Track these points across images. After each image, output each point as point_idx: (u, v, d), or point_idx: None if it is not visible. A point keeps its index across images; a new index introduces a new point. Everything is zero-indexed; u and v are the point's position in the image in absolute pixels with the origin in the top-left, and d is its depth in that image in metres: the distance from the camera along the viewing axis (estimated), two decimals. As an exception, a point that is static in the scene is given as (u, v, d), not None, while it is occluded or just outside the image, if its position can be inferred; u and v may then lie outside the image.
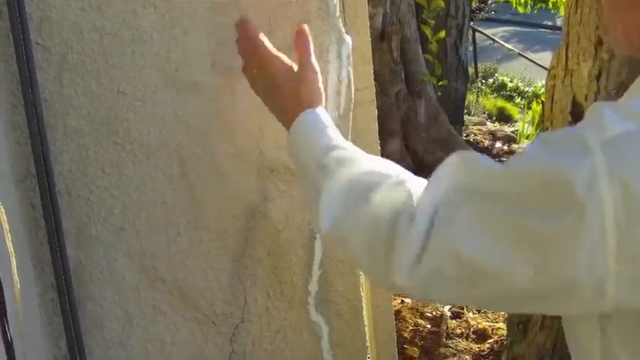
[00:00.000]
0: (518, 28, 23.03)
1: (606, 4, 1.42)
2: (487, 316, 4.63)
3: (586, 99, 2.81)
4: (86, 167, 1.93)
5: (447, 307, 4.69)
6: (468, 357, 4.18)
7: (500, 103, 13.24)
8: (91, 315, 2.01)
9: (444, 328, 4.47)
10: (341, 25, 2.11)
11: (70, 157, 1.91)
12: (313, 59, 1.87)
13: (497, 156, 7.94)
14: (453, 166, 1.28)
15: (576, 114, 2.90)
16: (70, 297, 1.92)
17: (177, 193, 2.02)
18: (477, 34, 17.09)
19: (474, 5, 16.60)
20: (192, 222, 2.04)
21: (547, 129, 3.16)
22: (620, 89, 2.71)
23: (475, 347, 4.32)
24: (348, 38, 2.14)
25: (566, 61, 2.97)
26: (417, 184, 1.38)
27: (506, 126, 10.62)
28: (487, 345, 4.33)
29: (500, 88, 15.12)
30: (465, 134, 8.51)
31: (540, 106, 9.07)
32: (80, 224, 1.96)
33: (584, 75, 2.82)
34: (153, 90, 1.95)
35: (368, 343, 2.44)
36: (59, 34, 1.85)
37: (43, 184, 1.84)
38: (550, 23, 21.82)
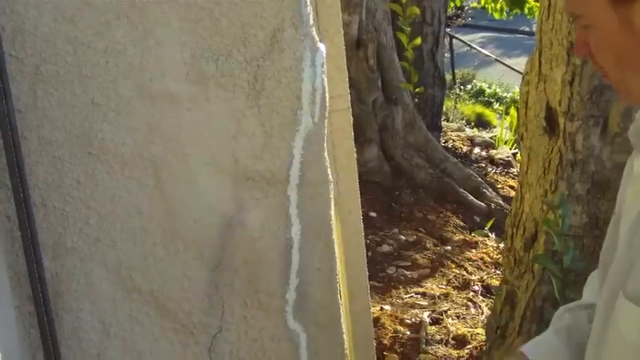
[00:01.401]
0: (495, 34, 23.14)
1: (614, 64, 1.45)
2: (466, 322, 4.64)
3: (560, 104, 2.83)
4: (61, 178, 1.93)
5: (426, 314, 4.70)
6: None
7: (479, 109, 13.28)
8: (68, 327, 2.01)
9: (424, 334, 4.47)
10: (314, 33, 2.11)
11: (45, 169, 1.91)
12: None
13: (475, 161, 7.98)
14: None
15: (550, 119, 2.92)
16: (47, 309, 1.91)
17: (152, 204, 2.02)
18: (454, 40, 17.15)
19: (451, 12, 16.65)
20: (168, 232, 2.04)
21: (522, 134, 3.17)
22: (594, 94, 2.73)
23: (454, 353, 4.32)
24: (321, 47, 2.15)
25: (540, 67, 2.98)
26: None
27: (484, 132, 10.64)
28: (466, 351, 4.34)
29: (478, 94, 15.16)
30: (443, 140, 8.52)
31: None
32: (56, 236, 1.95)
33: (558, 80, 2.84)
34: (127, 100, 1.95)
35: (347, 351, 2.44)
36: (33, 45, 1.84)
37: (18, 196, 1.84)
38: (527, 29, 21.91)
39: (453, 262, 5.50)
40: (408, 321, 4.62)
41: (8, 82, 1.81)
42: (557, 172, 2.85)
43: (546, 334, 1.95)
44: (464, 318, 4.71)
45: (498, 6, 11.11)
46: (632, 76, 1.45)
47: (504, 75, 15.77)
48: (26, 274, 1.89)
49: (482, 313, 4.72)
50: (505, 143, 8.94)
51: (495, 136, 9.48)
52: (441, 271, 5.38)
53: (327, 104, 2.20)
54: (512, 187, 7.18)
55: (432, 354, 4.28)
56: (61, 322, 1.99)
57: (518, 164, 5.31)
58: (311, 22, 2.10)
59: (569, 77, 2.77)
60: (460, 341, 4.46)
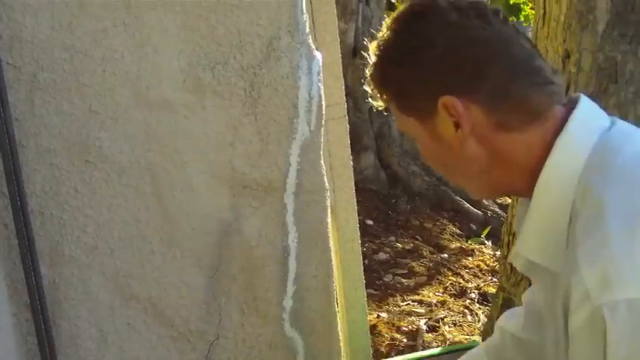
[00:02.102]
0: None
1: (444, 171, 1.64)
2: (463, 329, 4.64)
3: (556, 111, 2.83)
4: (59, 186, 1.93)
5: (422, 321, 4.70)
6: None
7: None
8: (65, 334, 2.01)
9: (420, 342, 4.47)
10: (311, 41, 2.12)
11: (42, 177, 1.91)
12: None
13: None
14: None
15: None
16: (45, 316, 1.91)
17: (150, 211, 2.02)
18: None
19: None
20: (165, 240, 2.05)
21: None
22: (589, 101, 2.73)
23: (451, 360, 4.33)
24: (318, 55, 2.15)
25: (536, 75, 2.99)
26: None
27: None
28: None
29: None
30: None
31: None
32: (53, 243, 1.95)
33: (553, 88, 2.84)
34: (124, 108, 1.95)
35: (344, 358, 2.44)
36: (30, 53, 1.85)
37: (15, 204, 1.84)
38: (522, 37, 21.91)
39: (449, 269, 5.50)
40: (404, 328, 4.62)
41: (6, 91, 1.81)
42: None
43: (478, 351, 2.05)
44: (460, 325, 4.71)
45: (494, 14, 11.12)
46: (464, 180, 1.62)
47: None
48: (23, 282, 1.89)
49: (478, 321, 4.72)
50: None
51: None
52: (438, 279, 5.38)
53: (324, 112, 2.20)
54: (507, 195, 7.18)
55: (428, 361, 4.28)
56: (59, 329, 1.99)
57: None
58: (307, 30, 2.11)
59: (565, 85, 2.77)
60: (457, 349, 4.46)
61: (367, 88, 1.62)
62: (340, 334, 2.37)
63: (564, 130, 1.42)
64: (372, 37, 1.58)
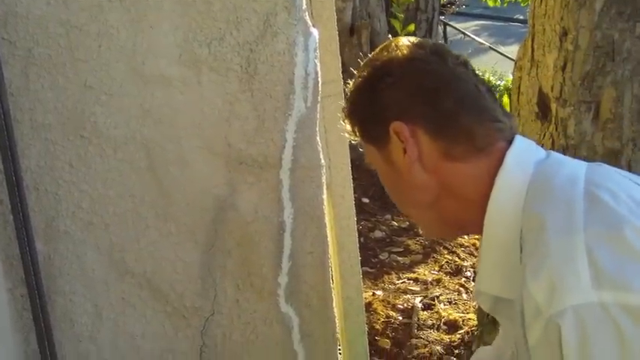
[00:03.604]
0: (489, 22, 23.07)
1: (398, 202, 1.70)
2: (458, 307, 4.65)
3: (552, 90, 2.84)
4: (54, 161, 1.92)
5: (418, 299, 4.71)
6: (439, 348, 4.19)
7: (472, 96, 13.26)
8: (60, 309, 2.01)
9: (415, 319, 4.48)
10: (307, 18, 2.12)
11: (37, 152, 1.90)
12: None
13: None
14: None
15: (542, 105, 2.92)
16: (40, 292, 1.91)
17: (145, 186, 2.02)
18: (448, 28, 17.11)
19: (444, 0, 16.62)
20: (160, 215, 2.05)
21: (514, 120, 3.18)
22: (586, 80, 2.73)
23: (446, 338, 4.33)
24: (314, 31, 2.15)
25: (532, 53, 2.99)
26: None
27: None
28: (458, 335, 4.35)
29: (471, 82, 15.12)
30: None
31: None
32: (48, 219, 1.95)
33: (550, 66, 2.84)
34: (120, 83, 1.95)
35: (339, 335, 2.45)
36: (25, 28, 1.84)
37: (10, 179, 1.84)
38: (521, 17, 21.86)
39: (445, 248, 5.51)
40: (400, 306, 4.63)
41: (0, 66, 1.80)
42: (549, 158, 2.86)
43: None
44: (455, 303, 4.73)
45: (492, -7, 11.11)
46: (416, 210, 1.68)
47: (498, 63, 15.70)
48: (18, 257, 1.89)
49: (473, 299, 4.73)
50: (498, 130, 8.93)
51: (488, 123, 9.46)
52: (433, 257, 5.39)
53: (320, 89, 2.20)
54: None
55: (423, 339, 4.30)
56: (54, 304, 1.99)
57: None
58: (304, 6, 2.10)
59: (562, 63, 2.77)
60: (452, 326, 4.48)
61: (341, 123, 1.73)
62: (335, 311, 2.38)
63: (503, 165, 1.48)
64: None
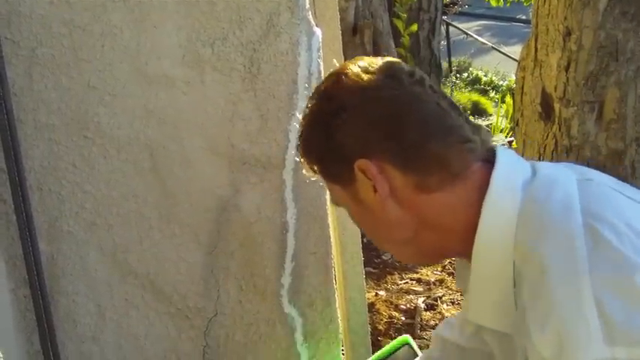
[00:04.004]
0: (492, 22, 23.07)
1: (372, 237, 1.58)
2: (460, 308, 4.65)
3: (555, 90, 2.83)
4: (57, 162, 1.92)
5: (421, 300, 4.71)
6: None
7: (475, 97, 13.25)
8: (64, 310, 2.00)
9: (418, 320, 4.48)
10: (311, 17, 2.12)
11: (40, 152, 1.90)
12: None
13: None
14: None
15: (546, 105, 2.91)
16: (43, 292, 1.91)
17: (148, 187, 2.02)
18: (450, 28, 17.12)
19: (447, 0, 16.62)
20: (164, 215, 2.04)
21: (517, 120, 3.17)
22: (589, 80, 2.73)
23: (450, 338, 4.33)
24: (317, 31, 2.15)
25: (536, 53, 2.98)
26: None
27: (480, 120, 10.64)
28: (461, 336, 4.35)
29: (474, 82, 15.11)
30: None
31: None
32: (52, 219, 1.95)
33: (553, 66, 2.83)
34: (123, 84, 1.95)
35: (342, 335, 2.45)
36: (28, 28, 1.84)
37: (13, 179, 1.83)
38: (524, 17, 21.86)
39: (448, 248, 5.50)
40: (402, 307, 4.63)
41: (4, 66, 1.80)
42: (553, 158, 2.85)
43: None
44: (458, 304, 4.72)
45: (495, -7, 11.10)
46: (394, 247, 1.58)
47: (501, 63, 15.71)
48: (22, 258, 1.89)
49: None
50: (501, 131, 8.94)
51: (491, 124, 9.48)
52: (437, 258, 5.38)
53: (324, 89, 2.20)
54: (507, 175, 7.16)
55: (426, 339, 4.29)
56: (57, 305, 1.99)
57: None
58: (307, 6, 2.10)
59: (565, 63, 2.76)
60: (455, 327, 4.47)
61: (297, 158, 1.60)
62: (338, 311, 2.38)
63: (488, 192, 1.39)
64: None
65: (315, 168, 1.56)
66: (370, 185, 1.43)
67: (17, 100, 1.85)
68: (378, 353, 2.27)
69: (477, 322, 1.54)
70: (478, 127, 1.47)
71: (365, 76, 1.44)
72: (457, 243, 1.46)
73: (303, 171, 1.61)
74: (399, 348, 2.30)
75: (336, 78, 1.47)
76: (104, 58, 1.92)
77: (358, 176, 1.43)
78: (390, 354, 2.29)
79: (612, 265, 1.24)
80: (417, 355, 2.27)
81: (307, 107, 1.53)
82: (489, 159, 1.43)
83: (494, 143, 1.50)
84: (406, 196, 1.43)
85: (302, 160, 1.59)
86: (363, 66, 1.46)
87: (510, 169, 1.42)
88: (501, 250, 1.38)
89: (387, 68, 1.46)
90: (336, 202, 1.59)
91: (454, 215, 1.43)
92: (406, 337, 2.31)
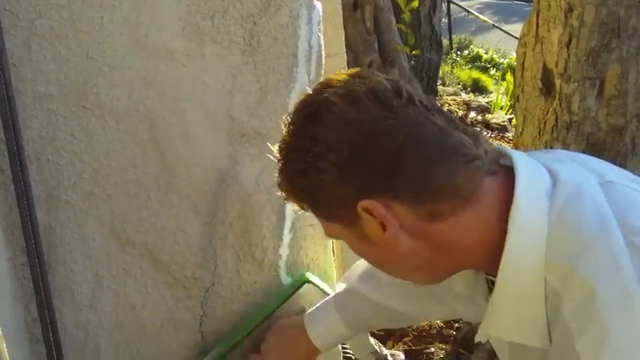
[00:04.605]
0: (493, 0, 23.02)
1: (377, 265, 1.56)
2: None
3: (556, 66, 2.83)
4: (55, 132, 1.92)
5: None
6: (438, 321, 4.19)
7: (475, 74, 13.23)
8: (61, 279, 2.01)
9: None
10: (311, -9, 2.11)
11: (39, 122, 1.90)
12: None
13: (471, 125, 7.96)
14: None
15: (546, 80, 2.92)
16: (41, 261, 1.91)
17: (147, 158, 2.02)
18: (451, 5, 17.07)
19: (449, -24, 16.55)
20: (162, 186, 2.05)
21: (518, 96, 3.17)
22: (591, 56, 2.73)
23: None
24: (318, 4, 2.15)
25: (537, 29, 2.98)
26: None
27: (480, 97, 10.63)
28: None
29: (474, 60, 15.09)
30: (439, 104, 8.52)
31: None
32: (50, 189, 1.95)
33: (555, 42, 2.83)
34: (122, 56, 1.95)
35: (339, 308, 2.45)
36: (27, -1, 1.84)
37: (12, 149, 1.84)
38: (525, -5, 21.80)
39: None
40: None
41: (2, 37, 1.80)
42: (552, 134, 2.86)
43: (327, 306, 2.14)
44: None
45: (497, -30, 11.07)
46: (405, 273, 1.56)
47: (502, 41, 15.67)
48: (19, 226, 1.89)
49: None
50: (501, 109, 8.93)
51: (491, 101, 9.47)
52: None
53: (323, 62, 2.20)
54: (507, 151, 7.16)
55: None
56: (54, 273, 1.99)
57: (514, 129, 5.33)
58: (307, -21, 2.10)
59: (566, 39, 2.77)
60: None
61: (278, 193, 1.54)
62: (336, 283, 2.38)
63: (513, 208, 1.34)
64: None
65: (306, 207, 1.50)
66: (377, 223, 1.37)
67: (16, 71, 1.85)
68: (276, 299, 2.24)
69: (499, 337, 1.52)
70: (477, 136, 1.40)
71: (351, 110, 1.34)
72: (476, 260, 1.45)
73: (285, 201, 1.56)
74: (299, 287, 2.26)
75: (318, 115, 1.38)
76: (103, 29, 1.91)
77: (363, 216, 1.37)
78: (290, 296, 2.25)
79: None
80: (324, 292, 2.25)
81: (287, 143, 1.45)
82: (497, 170, 1.40)
83: (493, 147, 1.45)
84: (418, 227, 1.38)
85: (286, 197, 1.51)
86: (345, 95, 1.35)
87: (531, 180, 1.38)
88: (531, 266, 1.34)
89: (371, 92, 1.35)
90: (332, 236, 1.54)
91: (471, 236, 1.39)
92: (306, 274, 2.27)
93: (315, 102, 1.40)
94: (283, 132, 1.47)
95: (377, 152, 1.34)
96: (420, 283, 1.60)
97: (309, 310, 2.17)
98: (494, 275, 1.41)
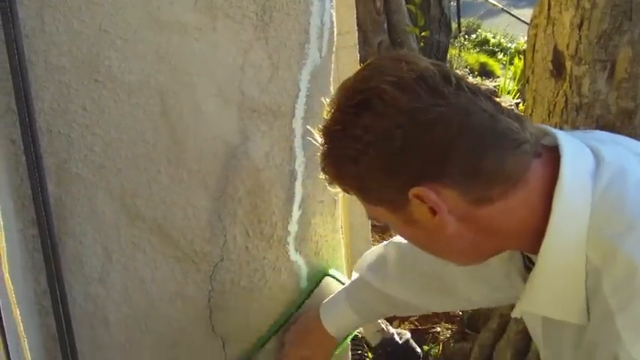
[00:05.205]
0: (502, -16, 22.95)
1: (425, 249, 1.57)
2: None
3: (567, 48, 2.82)
4: (67, 104, 1.92)
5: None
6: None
7: (483, 58, 13.17)
8: (71, 251, 2.02)
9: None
10: (323, -33, 2.11)
11: (51, 94, 1.90)
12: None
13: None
14: None
15: (557, 62, 2.91)
16: (51, 233, 1.92)
17: (158, 132, 2.02)
18: (461, -12, 17.03)
19: (458, -41, 16.51)
20: (172, 161, 2.05)
21: (528, 77, 3.17)
22: (602, 38, 2.72)
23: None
24: (330, -19, 2.14)
25: (549, 10, 2.97)
26: None
27: (488, 81, 10.60)
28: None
29: (482, 44, 15.03)
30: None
31: (522, 61, 9.07)
32: (61, 161, 1.95)
33: (566, 24, 2.82)
34: (135, 29, 1.94)
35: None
36: (40, -31, 1.84)
37: (23, 120, 1.84)
38: (535, -21, 21.70)
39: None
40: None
41: (16, 7, 1.80)
42: (562, 116, 2.85)
43: (339, 298, 2.21)
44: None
45: (507, -46, 11.04)
46: (450, 255, 1.57)
47: (510, 25, 15.62)
48: (30, 198, 1.90)
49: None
50: (508, 93, 8.91)
51: (498, 85, 9.45)
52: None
53: (335, 39, 2.20)
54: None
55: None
56: (64, 246, 2.00)
57: (522, 113, 5.32)
58: (320, -44, 2.09)
59: (578, 21, 2.75)
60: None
61: (321, 176, 1.53)
62: (344, 259, 2.39)
63: (558, 187, 1.36)
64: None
65: (352, 193, 1.50)
66: (427, 208, 1.39)
67: (28, 42, 1.85)
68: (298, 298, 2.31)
69: (538, 312, 1.53)
70: (522, 119, 1.41)
71: (402, 97, 1.33)
72: (520, 241, 1.46)
73: (328, 186, 1.55)
74: (318, 282, 2.31)
75: (368, 102, 1.36)
76: (116, 2, 1.91)
77: (413, 201, 1.38)
78: (311, 292, 2.31)
79: None
80: (342, 283, 2.31)
81: (334, 130, 1.43)
82: (541, 152, 1.40)
83: (537, 128, 1.46)
84: (467, 212, 1.40)
85: (330, 181, 1.51)
86: (395, 82, 1.34)
87: (576, 160, 1.38)
88: (573, 244, 1.35)
89: (421, 79, 1.35)
90: (376, 220, 1.57)
91: (517, 219, 1.40)
92: (325, 269, 2.34)
93: (365, 89, 1.38)
94: (326, 117, 1.46)
95: (429, 140, 1.34)
96: (462, 264, 1.63)
97: (325, 300, 2.25)
98: (532, 253, 1.44)
